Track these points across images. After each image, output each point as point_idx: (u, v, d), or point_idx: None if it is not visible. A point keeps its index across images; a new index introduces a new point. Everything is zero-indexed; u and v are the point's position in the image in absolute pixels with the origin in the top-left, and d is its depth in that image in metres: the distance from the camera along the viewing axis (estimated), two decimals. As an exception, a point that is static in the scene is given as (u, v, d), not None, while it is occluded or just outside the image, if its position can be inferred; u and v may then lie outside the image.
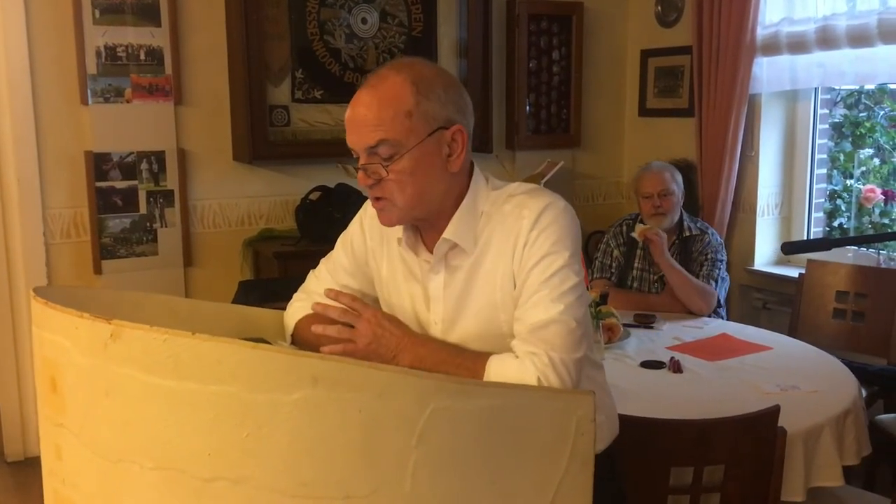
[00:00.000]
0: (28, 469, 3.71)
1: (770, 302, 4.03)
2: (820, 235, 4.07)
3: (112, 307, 1.32)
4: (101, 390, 1.01)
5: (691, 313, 3.19)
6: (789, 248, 1.68)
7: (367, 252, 1.61)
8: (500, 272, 1.44)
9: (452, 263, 1.48)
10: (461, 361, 1.39)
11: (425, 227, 1.51)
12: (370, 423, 1.00)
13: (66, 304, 1.08)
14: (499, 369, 1.35)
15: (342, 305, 1.48)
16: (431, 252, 1.50)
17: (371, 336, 1.43)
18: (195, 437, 0.98)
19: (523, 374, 1.32)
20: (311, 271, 1.72)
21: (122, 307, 1.40)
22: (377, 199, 1.44)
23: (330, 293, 1.51)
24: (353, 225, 1.65)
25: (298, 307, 1.66)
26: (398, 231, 1.53)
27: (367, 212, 1.63)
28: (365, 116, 1.38)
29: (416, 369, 1.40)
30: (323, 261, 1.70)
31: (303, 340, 1.60)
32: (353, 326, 1.46)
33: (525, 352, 1.35)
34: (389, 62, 1.45)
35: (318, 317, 1.51)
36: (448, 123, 1.42)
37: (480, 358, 1.39)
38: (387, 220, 1.47)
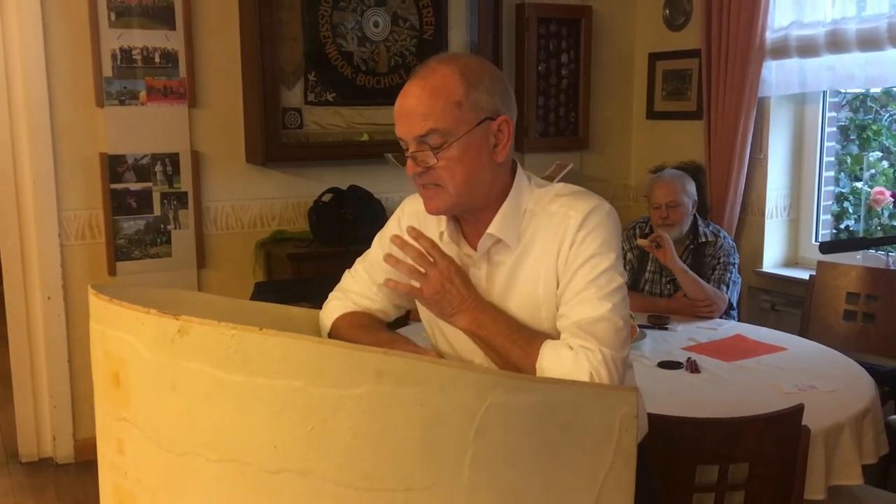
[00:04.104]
0: (42, 469, 3.73)
1: (778, 304, 4.05)
2: (828, 238, 4.09)
3: (154, 304, 1.34)
4: (168, 384, 1.03)
5: (700, 317, 3.21)
6: (827, 248, 1.71)
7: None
8: (543, 269, 1.46)
9: (495, 259, 1.51)
10: (517, 338, 1.42)
11: (468, 222, 1.54)
12: (431, 417, 1.02)
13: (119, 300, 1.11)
14: (553, 356, 1.37)
15: (420, 248, 1.49)
16: (472, 246, 1.53)
17: (439, 287, 1.46)
18: (261, 430, 1.00)
19: (576, 367, 1.34)
20: (346, 270, 1.74)
21: (163, 304, 1.42)
22: (426, 187, 1.47)
23: (412, 232, 1.52)
24: (391, 222, 1.68)
25: (335, 306, 1.68)
26: (439, 226, 1.55)
27: (405, 209, 1.66)
28: (416, 107, 1.41)
29: (472, 333, 1.44)
30: (359, 259, 1.72)
31: (339, 339, 1.62)
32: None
33: (578, 345, 1.37)
34: (437, 55, 1.47)
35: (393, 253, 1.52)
36: (495, 114, 1.45)
37: (536, 339, 1.41)
38: (435, 208, 1.49)
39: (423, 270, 1.47)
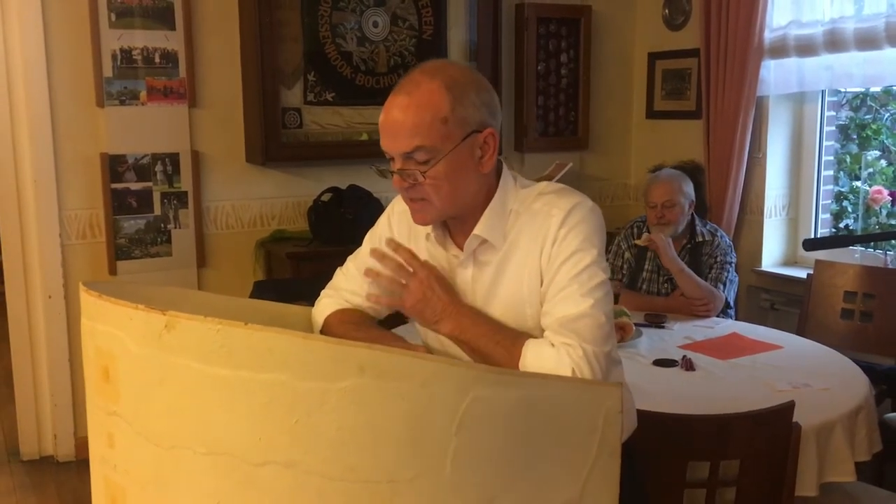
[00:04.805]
0: (43, 467, 3.76)
1: (777, 302, 4.06)
2: (828, 236, 4.10)
3: (151, 302, 1.36)
4: (156, 379, 1.05)
5: (697, 316, 3.23)
6: (810, 245, 1.72)
7: (395, 248, 1.65)
8: (528, 268, 1.48)
9: (481, 259, 1.52)
10: (500, 339, 1.43)
11: (454, 224, 1.55)
12: (413, 410, 1.04)
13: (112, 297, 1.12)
14: (535, 354, 1.39)
15: (399, 259, 1.51)
16: (459, 247, 1.54)
17: (420, 296, 1.48)
18: (247, 423, 1.02)
19: (559, 364, 1.36)
20: (338, 268, 1.75)
21: (160, 302, 1.44)
22: (413, 200, 1.48)
23: (391, 243, 1.54)
24: (381, 222, 1.69)
25: (327, 303, 1.70)
26: (426, 227, 1.56)
27: (395, 209, 1.67)
28: (402, 123, 1.42)
29: (456, 338, 1.45)
30: (350, 258, 1.74)
31: (331, 336, 1.64)
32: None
33: (560, 342, 1.39)
34: (421, 66, 1.47)
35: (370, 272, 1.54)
36: (481, 126, 1.46)
37: (519, 339, 1.43)
38: (422, 220, 1.51)
39: (403, 281, 1.49)
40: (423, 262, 1.52)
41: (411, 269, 1.50)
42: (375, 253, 1.53)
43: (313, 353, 1.01)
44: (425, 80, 1.43)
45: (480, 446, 1.10)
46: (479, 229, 1.50)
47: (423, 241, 1.60)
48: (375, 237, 1.69)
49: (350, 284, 1.70)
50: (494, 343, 1.42)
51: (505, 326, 1.48)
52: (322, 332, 1.68)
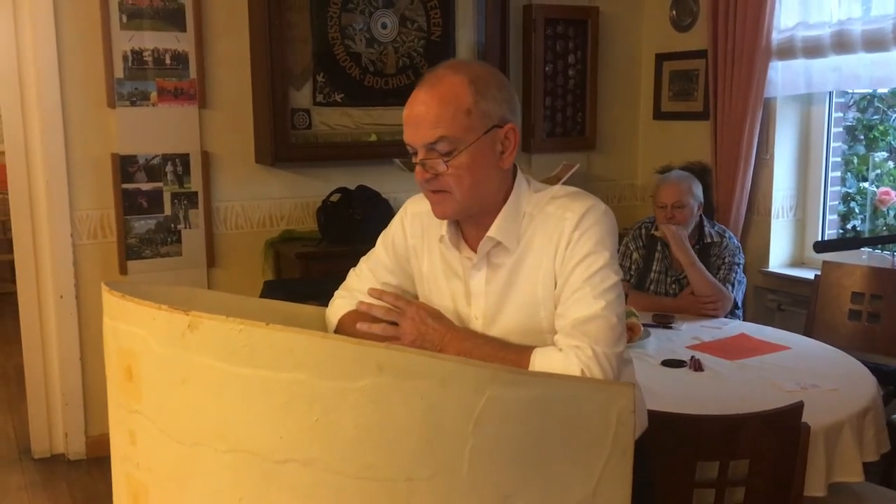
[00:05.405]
0: (54, 465, 3.78)
1: (784, 303, 4.07)
2: (834, 237, 4.11)
3: (168, 301, 1.38)
4: (178, 378, 1.07)
5: (705, 316, 3.24)
6: (821, 247, 1.73)
7: (409, 250, 1.67)
8: (541, 270, 1.49)
9: (495, 261, 1.54)
10: (505, 355, 1.44)
11: (468, 225, 1.57)
12: (431, 409, 1.06)
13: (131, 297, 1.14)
14: (544, 362, 1.41)
15: (386, 304, 1.54)
16: (473, 249, 1.56)
17: (416, 333, 1.50)
18: (267, 421, 1.04)
19: (568, 367, 1.37)
20: (351, 269, 1.77)
21: (177, 301, 1.46)
22: (434, 192, 1.50)
23: (374, 292, 1.59)
24: (394, 224, 1.71)
25: (340, 304, 1.72)
26: (440, 229, 1.58)
27: (408, 210, 1.69)
28: (425, 114, 1.44)
29: None
30: (363, 259, 1.76)
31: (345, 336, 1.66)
32: (397, 324, 1.52)
33: (569, 345, 1.41)
34: (444, 63, 1.50)
35: (362, 315, 1.58)
36: (502, 122, 1.48)
37: (524, 352, 1.44)
38: (442, 213, 1.53)
39: (395, 323, 1.52)
40: (409, 300, 1.56)
41: (400, 310, 1.54)
42: (363, 305, 1.60)
43: (333, 352, 1.03)
44: (449, 74, 1.46)
45: (496, 445, 1.11)
46: (493, 231, 1.52)
47: (436, 243, 1.62)
48: (389, 239, 1.71)
49: (363, 285, 1.71)
50: (500, 360, 1.43)
51: (508, 343, 1.49)
52: (336, 332, 1.69)
